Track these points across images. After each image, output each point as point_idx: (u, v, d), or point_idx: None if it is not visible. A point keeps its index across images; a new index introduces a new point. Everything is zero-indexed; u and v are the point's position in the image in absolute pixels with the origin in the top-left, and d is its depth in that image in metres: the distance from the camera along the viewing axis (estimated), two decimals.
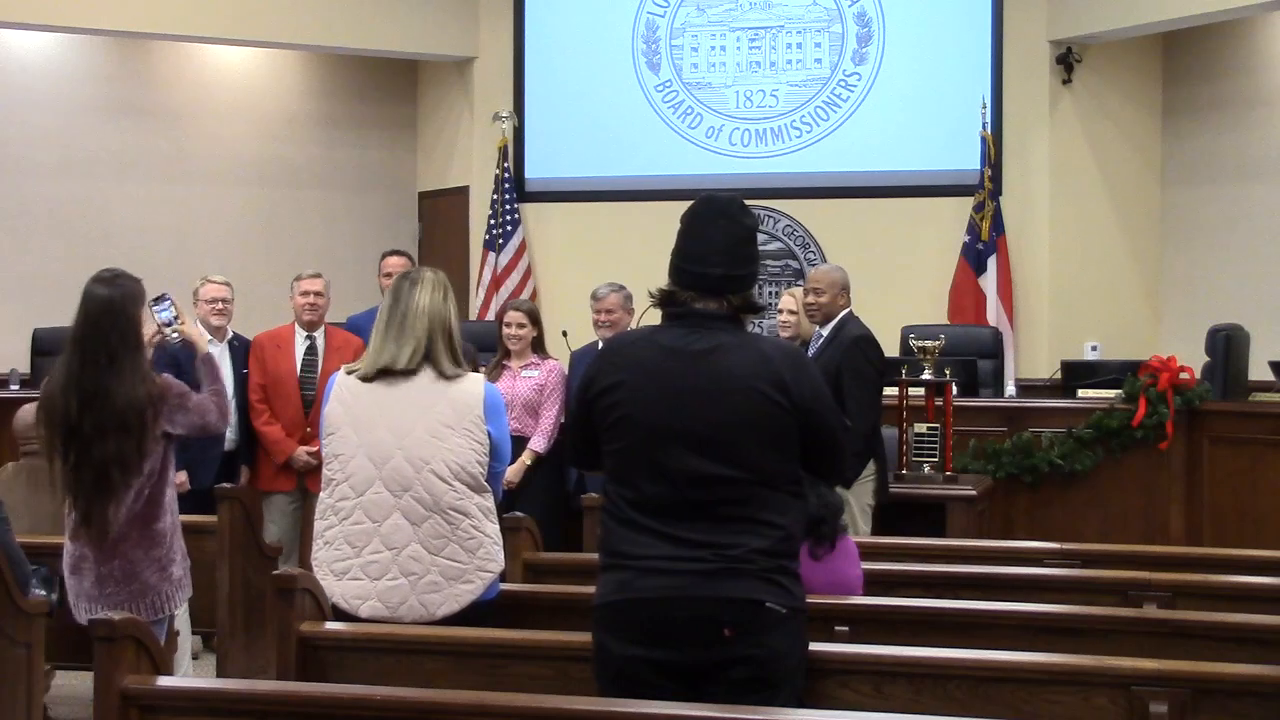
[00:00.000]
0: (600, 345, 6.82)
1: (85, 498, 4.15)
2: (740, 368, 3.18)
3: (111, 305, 4.14)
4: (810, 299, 6.18)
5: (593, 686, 3.40)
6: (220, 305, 6.66)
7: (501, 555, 3.95)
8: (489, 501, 3.92)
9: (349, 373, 3.94)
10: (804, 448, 3.22)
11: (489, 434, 3.88)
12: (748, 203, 3.39)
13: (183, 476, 6.45)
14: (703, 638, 3.12)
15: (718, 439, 3.15)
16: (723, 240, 3.26)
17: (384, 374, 3.85)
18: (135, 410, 4.11)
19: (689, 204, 3.36)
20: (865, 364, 5.93)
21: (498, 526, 3.95)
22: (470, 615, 3.85)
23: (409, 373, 3.84)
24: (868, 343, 6.02)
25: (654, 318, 3.39)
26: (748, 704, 3.05)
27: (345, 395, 3.90)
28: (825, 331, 6.13)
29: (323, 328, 6.85)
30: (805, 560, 3.45)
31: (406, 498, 3.81)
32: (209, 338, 6.53)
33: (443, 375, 3.85)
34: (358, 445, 3.84)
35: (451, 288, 3.99)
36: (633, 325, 6.92)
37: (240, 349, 6.77)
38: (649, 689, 3.13)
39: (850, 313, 6.15)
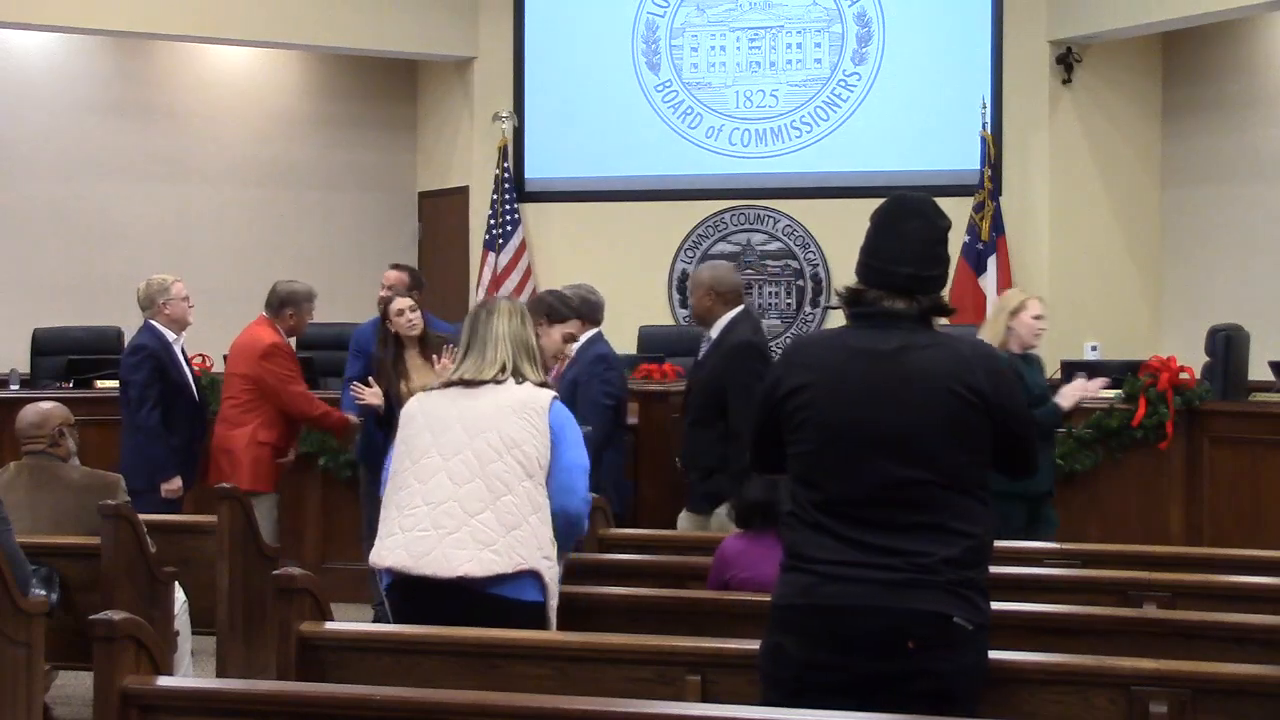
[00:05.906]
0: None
1: None
2: (934, 367, 3.11)
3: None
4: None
5: (593, 686, 3.40)
6: (191, 302, 6.77)
7: (543, 561, 3.88)
8: (541, 496, 3.92)
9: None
10: (996, 447, 3.16)
11: (550, 428, 3.96)
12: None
13: (178, 483, 6.45)
14: (885, 649, 3.03)
15: (910, 441, 3.07)
16: (914, 239, 3.23)
17: (462, 383, 4.03)
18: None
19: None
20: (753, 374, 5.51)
21: (550, 531, 3.92)
22: (493, 610, 3.80)
23: (493, 382, 4.01)
24: (754, 350, 5.73)
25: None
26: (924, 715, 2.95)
27: (422, 397, 4.12)
28: (714, 334, 5.88)
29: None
30: None
31: (455, 460, 3.90)
32: (173, 336, 6.58)
33: (528, 381, 4.04)
34: (423, 424, 4.00)
35: (528, 315, 4.19)
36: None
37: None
38: (819, 696, 3.02)
39: (744, 311, 5.88)
